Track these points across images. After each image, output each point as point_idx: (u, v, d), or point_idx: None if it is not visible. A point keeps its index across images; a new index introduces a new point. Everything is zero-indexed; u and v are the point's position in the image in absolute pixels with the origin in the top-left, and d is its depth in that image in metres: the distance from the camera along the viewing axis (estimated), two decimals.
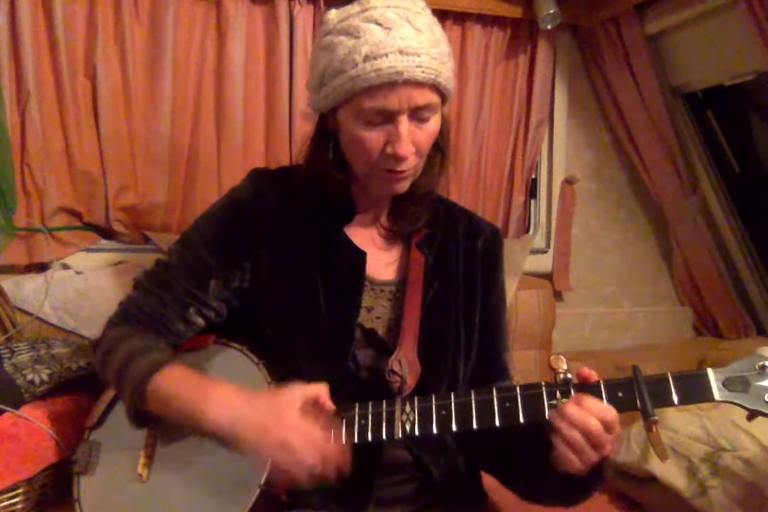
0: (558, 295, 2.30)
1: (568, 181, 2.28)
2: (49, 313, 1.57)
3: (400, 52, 0.80)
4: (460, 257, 1.05)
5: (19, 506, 1.15)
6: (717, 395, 0.74)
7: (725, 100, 2.36)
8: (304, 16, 1.84)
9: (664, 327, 2.47)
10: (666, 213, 2.36)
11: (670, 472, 1.36)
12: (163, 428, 0.92)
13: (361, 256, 0.97)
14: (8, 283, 1.57)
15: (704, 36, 2.04)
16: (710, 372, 0.75)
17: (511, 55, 2.12)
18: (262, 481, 0.81)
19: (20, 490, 1.14)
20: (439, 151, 0.96)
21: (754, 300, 2.40)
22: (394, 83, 0.80)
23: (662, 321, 2.49)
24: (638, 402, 0.76)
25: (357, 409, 0.84)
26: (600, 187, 2.39)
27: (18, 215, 1.59)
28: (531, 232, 2.29)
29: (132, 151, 1.74)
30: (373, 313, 0.98)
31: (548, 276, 2.25)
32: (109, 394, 1.00)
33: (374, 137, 0.85)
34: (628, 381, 0.78)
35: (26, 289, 1.57)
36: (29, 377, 1.24)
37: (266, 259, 0.95)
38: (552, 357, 0.83)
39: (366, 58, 0.80)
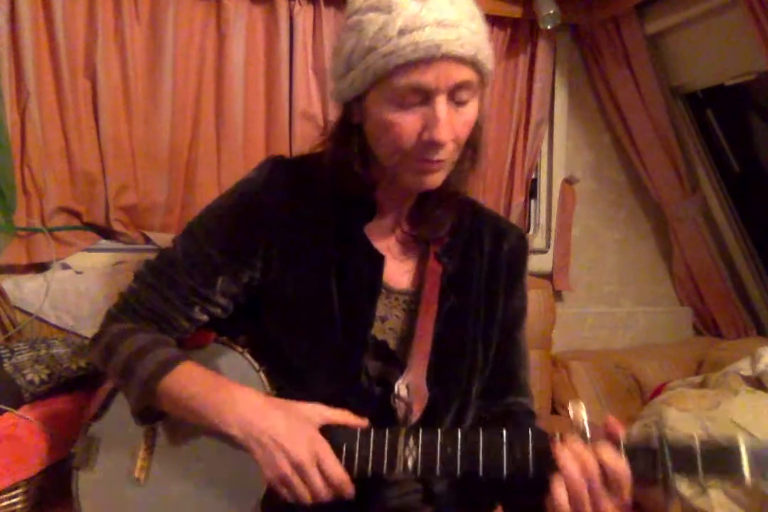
0: (558, 295, 2.30)
1: (568, 181, 2.29)
2: (49, 313, 1.58)
3: (438, 24, 0.73)
4: (484, 267, 0.97)
5: (18, 506, 1.15)
6: (748, 479, 0.67)
7: (725, 100, 2.36)
8: (304, 16, 1.84)
9: (664, 327, 2.47)
10: (666, 213, 2.36)
11: None
12: (162, 428, 0.91)
13: (379, 259, 0.90)
14: (8, 283, 1.57)
15: (704, 36, 2.04)
16: (741, 445, 0.66)
17: (511, 55, 2.13)
18: (264, 488, 0.79)
19: (20, 490, 1.14)
20: (470, 146, 0.87)
21: (754, 300, 2.40)
22: (431, 58, 0.73)
23: (662, 321, 2.48)
24: (662, 478, 0.70)
25: (358, 437, 0.78)
26: (600, 187, 2.39)
27: (18, 215, 1.59)
28: (531, 232, 2.29)
29: (132, 151, 1.74)
30: (387, 323, 0.91)
31: (548, 276, 2.25)
32: (108, 385, 0.97)
33: (408, 121, 0.77)
34: (651, 450, 0.71)
35: (26, 289, 1.57)
36: (29, 377, 1.24)
37: (277, 258, 0.88)
38: (571, 402, 0.75)
39: (401, 32, 0.73)
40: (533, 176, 2.26)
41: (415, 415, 0.86)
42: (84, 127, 1.68)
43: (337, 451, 0.76)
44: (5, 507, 1.12)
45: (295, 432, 0.74)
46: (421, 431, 0.77)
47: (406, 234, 0.94)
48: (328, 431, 0.77)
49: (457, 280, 0.93)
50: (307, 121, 1.89)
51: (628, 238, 2.45)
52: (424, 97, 0.76)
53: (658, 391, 1.87)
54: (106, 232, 1.77)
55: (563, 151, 2.30)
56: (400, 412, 0.85)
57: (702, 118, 2.37)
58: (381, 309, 0.90)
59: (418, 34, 0.72)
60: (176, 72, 1.75)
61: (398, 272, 0.93)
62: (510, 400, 0.98)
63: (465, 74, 0.76)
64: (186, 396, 0.79)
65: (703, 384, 1.69)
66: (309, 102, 1.88)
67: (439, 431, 0.76)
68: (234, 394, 0.78)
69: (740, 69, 2.03)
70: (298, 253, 0.88)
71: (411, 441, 0.76)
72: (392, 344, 0.91)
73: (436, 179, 0.83)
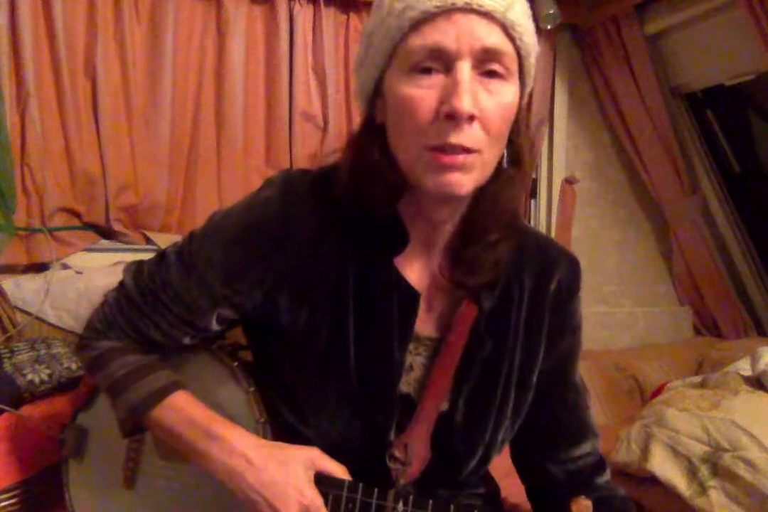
0: None
1: (568, 181, 2.29)
2: (49, 313, 1.57)
3: None
4: (524, 305, 0.82)
5: (17, 506, 1.14)
6: None
7: (725, 100, 2.36)
8: (304, 16, 1.84)
9: (664, 327, 2.47)
10: (666, 213, 2.36)
11: (670, 472, 1.36)
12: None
13: (413, 297, 0.76)
14: (8, 283, 1.57)
15: (704, 36, 2.04)
16: None
17: None
18: None
19: (19, 490, 1.14)
20: (514, 162, 0.72)
21: (754, 300, 2.41)
22: (450, 9, 0.62)
23: (662, 321, 2.49)
24: None
25: (345, 491, 0.72)
26: (600, 187, 2.39)
27: (18, 215, 1.59)
28: None
29: (132, 151, 1.74)
30: (412, 375, 0.79)
31: None
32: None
33: (425, 93, 0.64)
34: None
35: (26, 289, 1.57)
36: (29, 377, 1.24)
37: (286, 294, 0.75)
38: (574, 505, 0.69)
39: None
40: (533, 176, 2.26)
41: (411, 476, 0.77)
42: (84, 127, 1.68)
43: (323, 499, 0.72)
44: (4, 507, 1.12)
45: (285, 487, 0.69)
46: (411, 499, 0.70)
47: (441, 273, 0.79)
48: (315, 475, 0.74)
49: (494, 323, 0.80)
50: (307, 121, 1.89)
51: (628, 238, 2.45)
52: (446, 63, 0.64)
53: (658, 391, 1.87)
54: (106, 232, 1.77)
55: (563, 151, 2.30)
56: (395, 473, 0.77)
57: (702, 118, 2.37)
58: (407, 357, 0.79)
59: None
60: (176, 72, 1.75)
61: (427, 314, 0.80)
62: (579, 453, 0.88)
63: (494, 37, 0.63)
64: (174, 435, 0.76)
65: (703, 384, 1.69)
66: (309, 102, 1.89)
67: (430, 503, 0.70)
68: (225, 439, 0.73)
69: (740, 69, 2.03)
70: (311, 289, 0.75)
71: (401, 506, 0.70)
72: (416, 397, 0.79)
73: (458, 180, 0.66)
